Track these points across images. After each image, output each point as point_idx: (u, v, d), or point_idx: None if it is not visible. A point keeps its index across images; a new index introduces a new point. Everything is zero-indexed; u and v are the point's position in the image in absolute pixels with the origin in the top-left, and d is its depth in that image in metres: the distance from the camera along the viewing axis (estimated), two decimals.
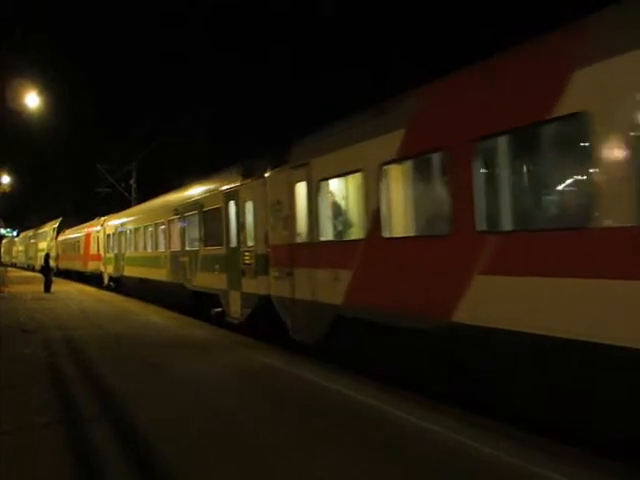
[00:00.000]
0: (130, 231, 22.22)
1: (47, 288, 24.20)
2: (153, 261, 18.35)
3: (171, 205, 16.48)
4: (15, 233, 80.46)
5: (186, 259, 15.02)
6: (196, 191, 14.50)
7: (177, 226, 16.07)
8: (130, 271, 21.94)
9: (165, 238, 17.17)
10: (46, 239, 48.25)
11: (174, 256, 16.12)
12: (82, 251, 33.66)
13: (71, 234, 38.08)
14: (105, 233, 27.38)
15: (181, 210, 15.38)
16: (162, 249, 17.88)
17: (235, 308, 11.87)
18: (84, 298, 21.91)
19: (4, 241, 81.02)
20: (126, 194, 37.95)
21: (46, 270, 25.21)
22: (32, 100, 20.86)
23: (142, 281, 19.93)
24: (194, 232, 14.74)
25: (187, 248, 15.13)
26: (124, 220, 23.42)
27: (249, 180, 11.26)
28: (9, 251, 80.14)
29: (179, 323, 13.47)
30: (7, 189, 28.97)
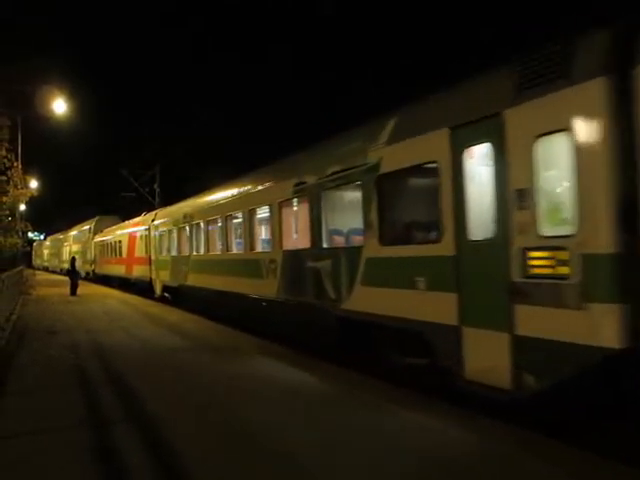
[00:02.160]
0: (196, 225, 16.33)
1: (73, 291, 23.91)
2: (245, 267, 12.34)
3: (285, 179, 10.42)
4: (42, 237, 77.64)
5: (325, 264, 8.94)
6: (353, 145, 8.39)
7: (300, 211, 10.06)
8: (199, 280, 15.99)
9: (271, 231, 11.13)
10: (81, 241, 43.15)
11: (293, 259, 10.07)
12: (125, 253, 28.08)
13: (110, 234, 32.67)
14: (157, 230, 21.62)
15: (312, 184, 9.30)
16: (263, 248, 11.91)
17: (489, 364, 5.73)
18: (110, 302, 20.49)
19: (34, 244, 77.45)
20: (150, 198, 37.31)
21: (72, 273, 24.80)
22: (59, 106, 22.00)
23: (222, 295, 13.97)
24: (346, 218, 8.72)
25: (326, 246, 9.06)
26: (186, 211, 17.54)
27: (548, 90, 5.14)
28: (40, 254, 76.08)
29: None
30: (35, 193, 27.34)
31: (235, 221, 13.31)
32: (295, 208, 10.32)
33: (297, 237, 10.29)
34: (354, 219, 8.38)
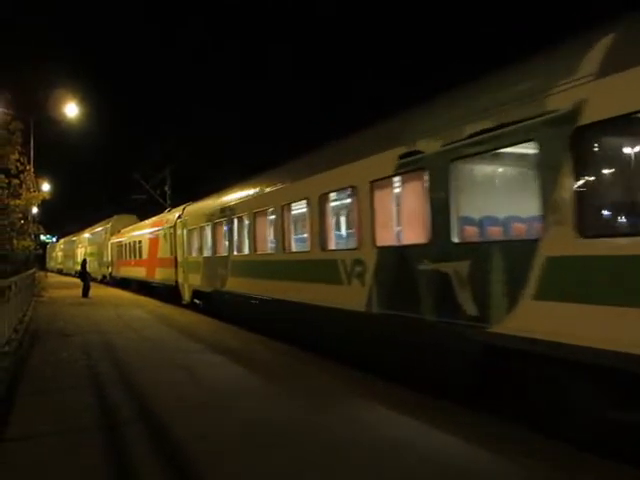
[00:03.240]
0: (239, 220, 13.72)
1: (85, 293, 23.85)
2: (313, 270, 9.66)
3: (380, 151, 7.69)
4: (54, 239, 76.20)
5: (456, 267, 6.21)
6: (515, 87, 5.61)
7: (408, 192, 7.38)
8: (242, 285, 13.35)
9: (356, 223, 8.43)
10: (97, 242, 40.84)
11: (396, 259, 7.35)
12: (146, 255, 25.59)
13: (129, 234, 30.25)
14: (185, 227, 19.07)
15: (433, 153, 6.57)
16: (340, 245, 9.26)
17: None
18: (125, 307, 18.92)
19: (48, 247, 75.71)
20: (161, 200, 36.52)
21: (83, 275, 24.94)
22: (71, 110, 22.00)
23: (276, 304, 11.31)
24: (496, 199, 6.04)
25: (457, 240, 6.30)
26: (225, 204, 14.92)
27: None
28: (54, 257, 74.18)
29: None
30: (47, 196, 26.81)
31: (295, 212, 10.67)
32: (398, 189, 7.64)
33: (402, 229, 7.62)
34: (511, 200, 5.71)
